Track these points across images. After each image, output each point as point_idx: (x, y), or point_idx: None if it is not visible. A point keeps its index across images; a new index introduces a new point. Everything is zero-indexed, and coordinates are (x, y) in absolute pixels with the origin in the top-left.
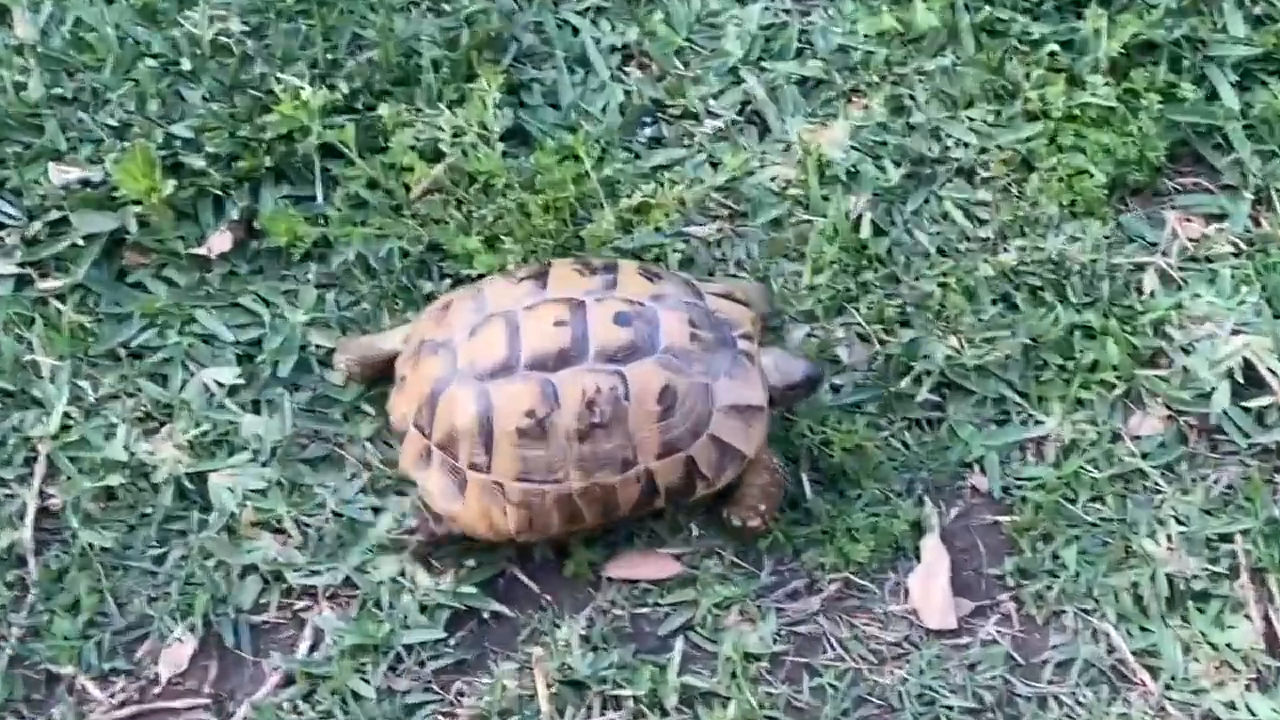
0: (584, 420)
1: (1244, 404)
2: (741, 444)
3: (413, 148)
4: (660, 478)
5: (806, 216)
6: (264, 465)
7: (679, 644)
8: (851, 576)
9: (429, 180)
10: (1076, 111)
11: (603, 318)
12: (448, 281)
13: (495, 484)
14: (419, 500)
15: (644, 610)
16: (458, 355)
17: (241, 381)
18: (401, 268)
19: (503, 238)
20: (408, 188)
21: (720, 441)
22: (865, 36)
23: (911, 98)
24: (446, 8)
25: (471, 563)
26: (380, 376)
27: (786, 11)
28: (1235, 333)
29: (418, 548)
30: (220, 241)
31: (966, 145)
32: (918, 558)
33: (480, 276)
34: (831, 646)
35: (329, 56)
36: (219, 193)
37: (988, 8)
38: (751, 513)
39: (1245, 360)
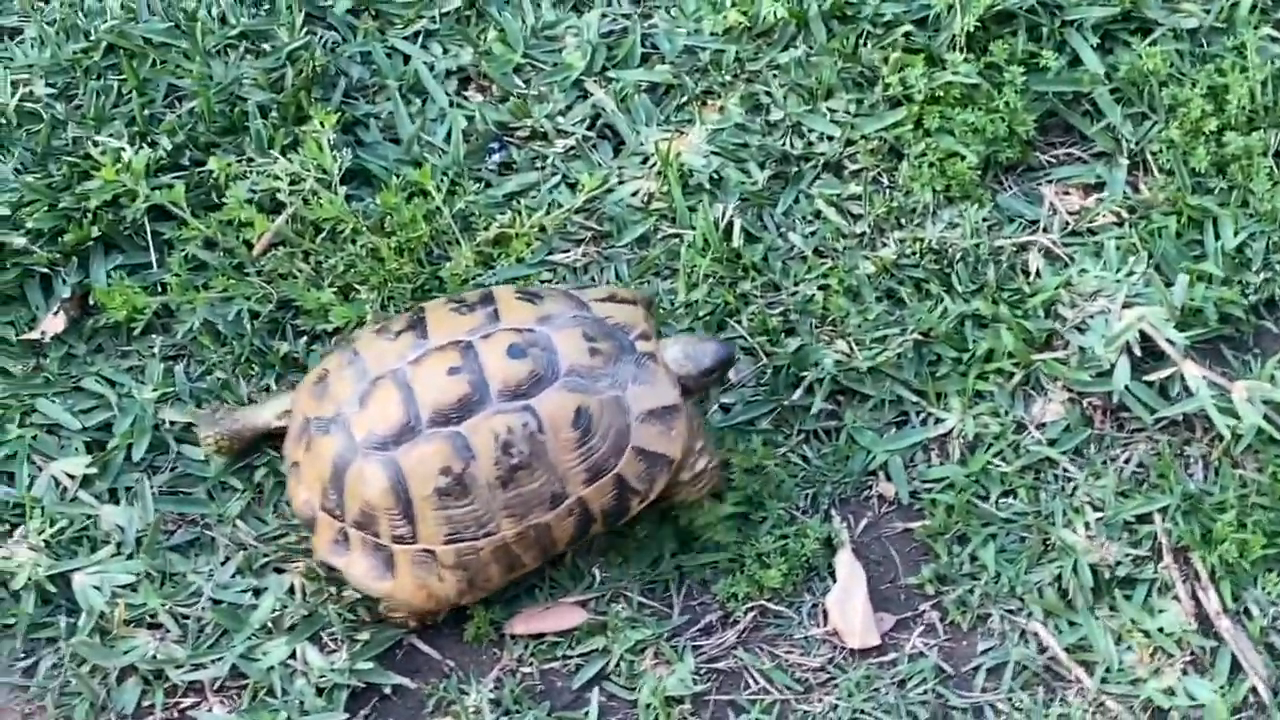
0: (503, 465)
1: (1145, 378)
2: (666, 448)
3: (249, 200)
4: (593, 503)
5: (674, 230)
6: (130, 558)
7: (595, 696)
8: (767, 604)
9: (271, 233)
10: (940, 92)
11: (495, 354)
12: (304, 339)
13: (425, 552)
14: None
15: (554, 665)
16: (352, 428)
17: (94, 471)
18: (253, 330)
19: (357, 287)
20: (249, 244)
21: (645, 451)
22: (712, 35)
23: (768, 94)
24: (266, 47)
25: (365, 636)
26: (248, 450)
27: (626, 16)
28: (1127, 305)
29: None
30: (53, 323)
31: (830, 138)
32: (833, 577)
33: (337, 331)
34: (754, 680)
35: (146, 112)
36: (46, 270)
37: None
38: (694, 455)
39: (1141, 333)
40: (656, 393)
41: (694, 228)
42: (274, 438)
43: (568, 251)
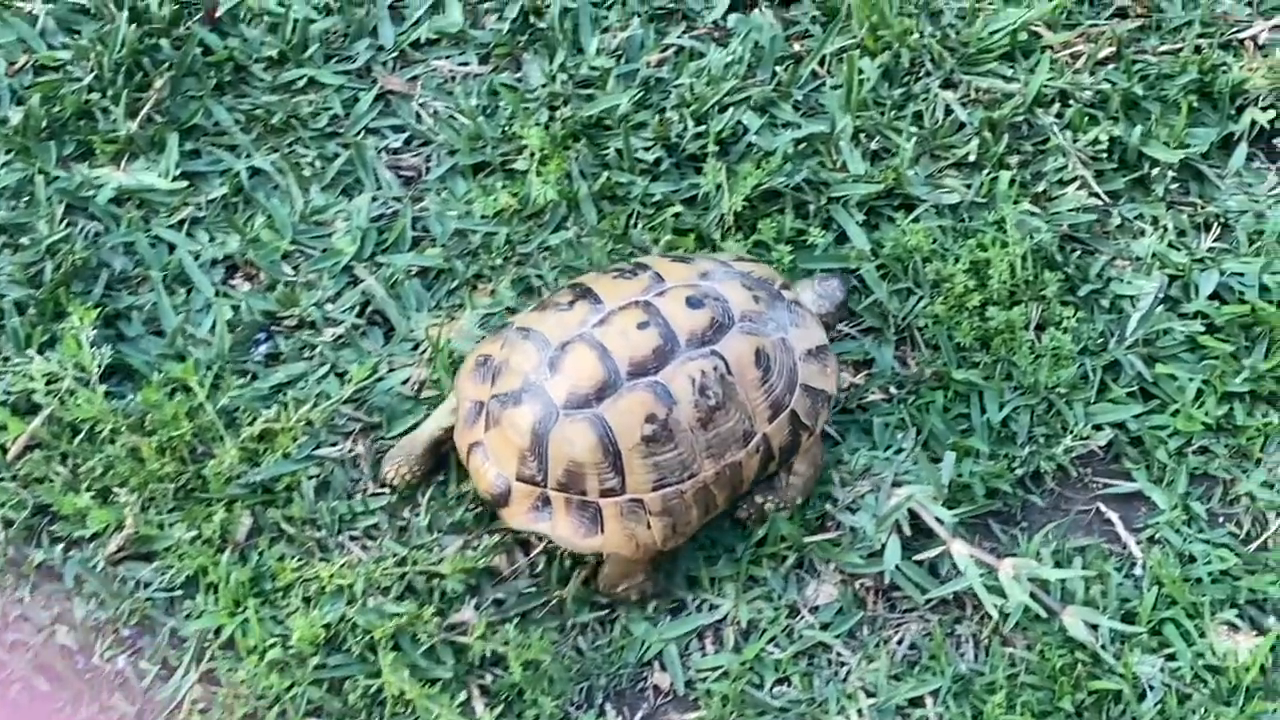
0: (701, 407)
1: (916, 558)
2: (825, 385)
3: (3, 403)
4: (774, 440)
5: None
6: None
7: None
8: None
9: (26, 437)
10: None
11: (676, 307)
12: (60, 546)
13: (634, 501)
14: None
15: None
16: (549, 392)
17: None
18: (7, 538)
19: (116, 489)
20: (3, 448)
21: (810, 388)
22: (483, 218)
23: (539, 276)
24: (24, 241)
25: None
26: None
27: (397, 200)
28: (897, 484)
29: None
30: None
31: None
32: None
33: (95, 536)
34: None
35: None
36: None
37: (605, 173)
38: (795, 488)
39: (911, 512)
40: (810, 334)
41: None
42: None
43: (336, 444)
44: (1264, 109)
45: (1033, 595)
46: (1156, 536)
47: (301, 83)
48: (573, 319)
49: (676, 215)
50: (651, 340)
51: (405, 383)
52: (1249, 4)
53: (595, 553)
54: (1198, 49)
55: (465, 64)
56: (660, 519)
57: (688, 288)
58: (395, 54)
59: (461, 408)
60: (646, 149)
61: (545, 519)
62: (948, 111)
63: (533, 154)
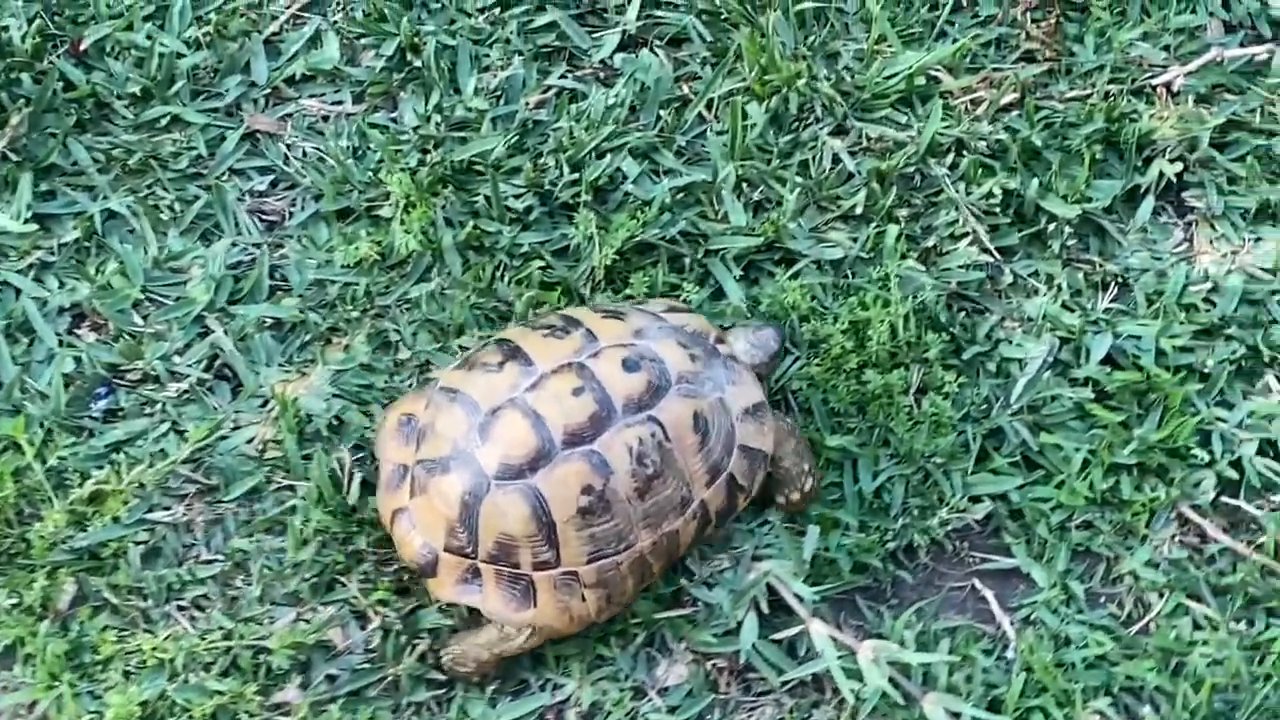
0: (639, 476)
1: (773, 637)
2: (762, 444)
3: None
4: (711, 505)
5: (288, 482)
6: None
7: None
8: None
9: None
10: None
11: (612, 370)
12: None
13: (568, 574)
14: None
15: None
16: (479, 461)
17: None
18: None
19: None
20: None
21: (747, 448)
22: (343, 267)
23: (397, 331)
24: None
25: None
26: None
27: (257, 246)
28: (756, 558)
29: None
30: None
31: None
32: None
33: None
34: None
35: None
36: None
37: (473, 221)
38: (802, 476)
39: (769, 587)
40: (747, 391)
41: (308, 479)
42: None
43: (170, 509)
44: (1172, 161)
45: (892, 680)
46: (1032, 617)
47: (165, 121)
48: (503, 382)
49: (543, 268)
50: (587, 407)
51: (250, 442)
52: (1165, 48)
53: (528, 626)
54: (1107, 95)
55: (339, 103)
56: (595, 591)
57: (623, 348)
58: (268, 91)
59: (384, 470)
60: (517, 196)
61: (475, 592)
62: (835, 161)
63: (397, 201)
